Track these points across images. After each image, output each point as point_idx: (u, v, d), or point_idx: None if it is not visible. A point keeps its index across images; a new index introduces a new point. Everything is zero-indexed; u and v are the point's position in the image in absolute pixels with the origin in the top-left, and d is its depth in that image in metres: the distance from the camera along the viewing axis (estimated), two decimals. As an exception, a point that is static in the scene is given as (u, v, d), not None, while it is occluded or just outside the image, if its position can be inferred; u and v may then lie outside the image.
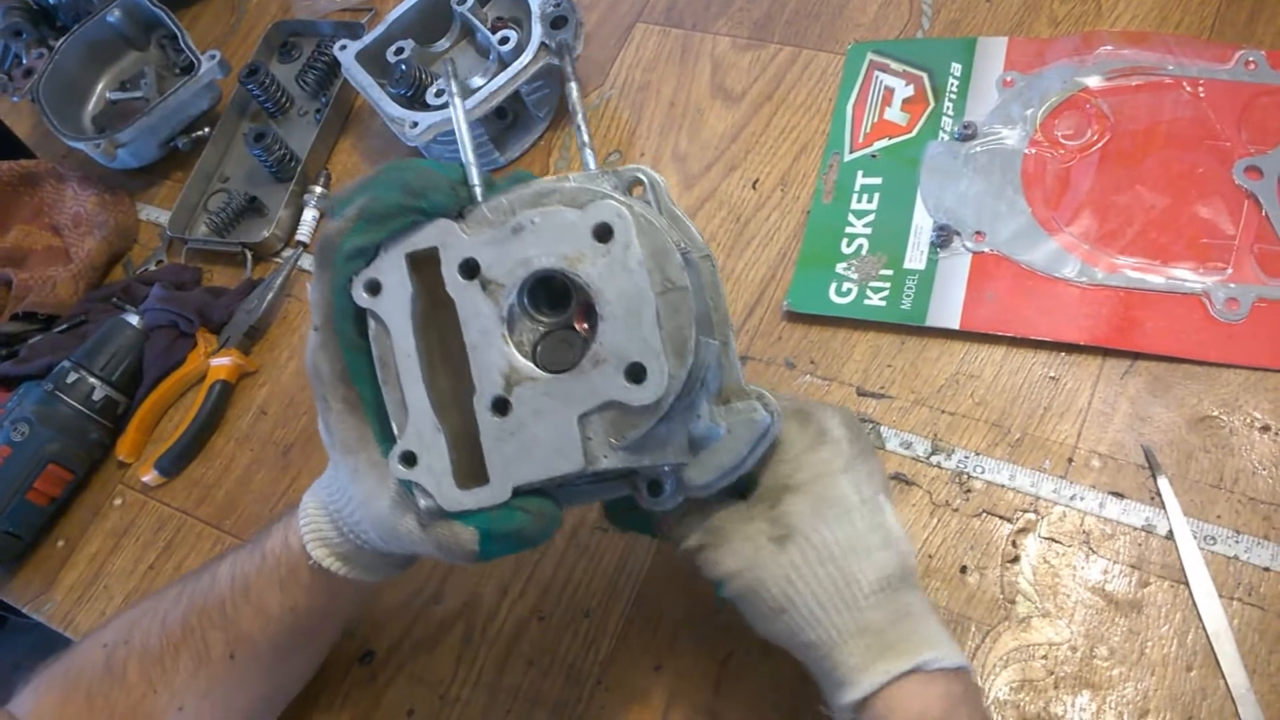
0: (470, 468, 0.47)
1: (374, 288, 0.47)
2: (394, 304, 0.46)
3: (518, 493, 0.46)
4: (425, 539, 0.48)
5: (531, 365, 0.46)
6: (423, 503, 0.47)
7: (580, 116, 0.50)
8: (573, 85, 0.52)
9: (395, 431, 0.48)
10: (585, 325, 0.47)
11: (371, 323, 0.47)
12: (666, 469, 0.49)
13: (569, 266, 0.44)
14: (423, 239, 0.46)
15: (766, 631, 0.52)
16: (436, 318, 0.47)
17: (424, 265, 0.46)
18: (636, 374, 0.44)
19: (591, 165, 0.49)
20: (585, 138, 0.50)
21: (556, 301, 0.47)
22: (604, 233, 0.44)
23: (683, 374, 0.44)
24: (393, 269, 0.46)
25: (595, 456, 0.45)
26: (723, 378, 0.50)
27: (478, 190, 0.47)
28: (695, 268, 0.47)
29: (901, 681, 0.47)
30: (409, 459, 0.47)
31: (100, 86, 1.06)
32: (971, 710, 0.48)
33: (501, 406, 0.46)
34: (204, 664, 0.58)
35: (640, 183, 0.49)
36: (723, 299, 0.50)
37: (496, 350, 0.46)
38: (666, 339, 0.44)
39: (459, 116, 0.51)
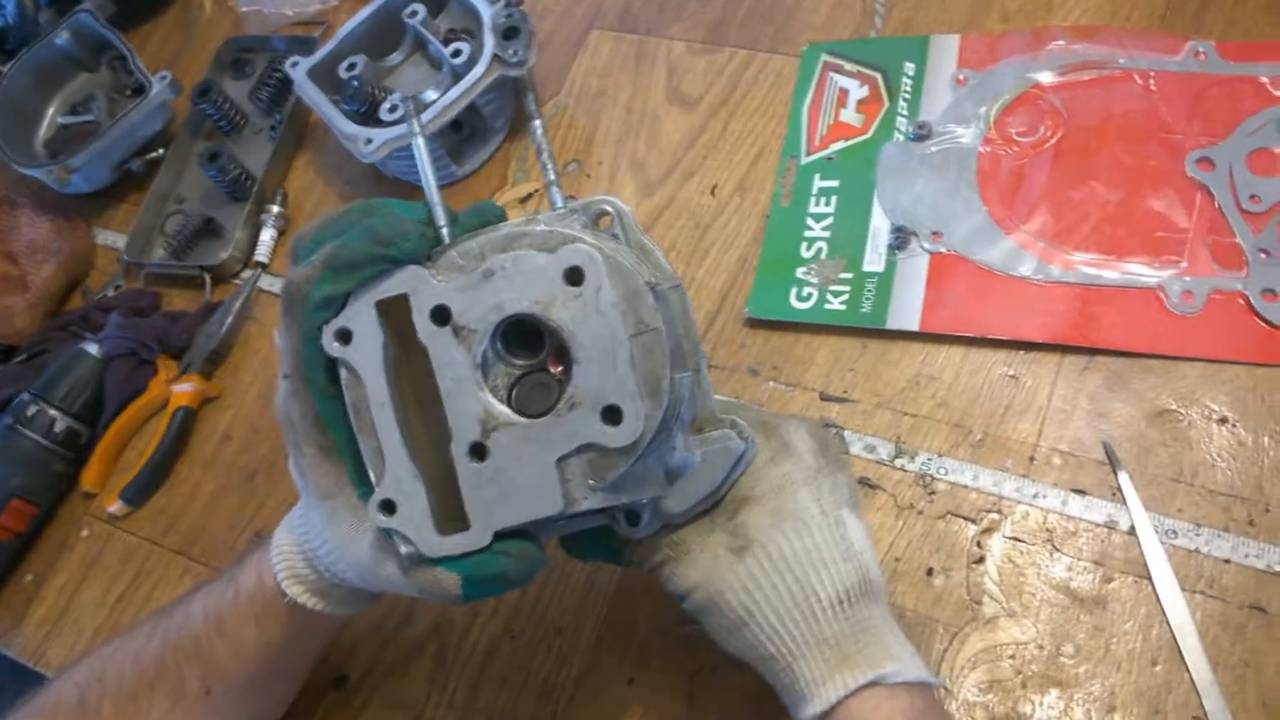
0: (449, 510, 0.47)
1: (344, 336, 0.46)
2: (365, 352, 0.46)
3: (498, 536, 0.46)
4: (407, 583, 0.48)
5: (508, 410, 0.46)
6: (404, 549, 0.47)
7: (546, 154, 0.49)
8: (537, 123, 0.50)
9: (373, 479, 0.47)
10: (560, 368, 0.47)
11: (343, 371, 0.47)
12: (644, 501, 0.49)
13: (541, 311, 0.44)
14: (393, 286, 0.46)
15: (730, 646, 0.52)
16: (409, 362, 0.47)
17: (393, 308, 0.46)
18: (613, 416, 0.44)
19: (559, 204, 0.48)
20: (552, 176, 0.49)
21: (530, 344, 0.47)
22: (575, 276, 0.44)
23: (658, 414, 0.44)
24: (363, 317, 0.46)
25: (575, 498, 0.45)
26: (696, 407, 0.50)
27: (445, 232, 0.47)
28: (665, 299, 0.47)
29: (863, 695, 0.47)
30: (388, 507, 0.47)
31: (51, 111, 1.04)
32: None
33: (479, 452, 0.46)
34: (180, 700, 0.58)
35: (607, 214, 0.48)
36: (693, 326, 0.49)
37: (472, 396, 0.46)
38: (641, 380, 0.44)
39: (423, 157, 0.50)
